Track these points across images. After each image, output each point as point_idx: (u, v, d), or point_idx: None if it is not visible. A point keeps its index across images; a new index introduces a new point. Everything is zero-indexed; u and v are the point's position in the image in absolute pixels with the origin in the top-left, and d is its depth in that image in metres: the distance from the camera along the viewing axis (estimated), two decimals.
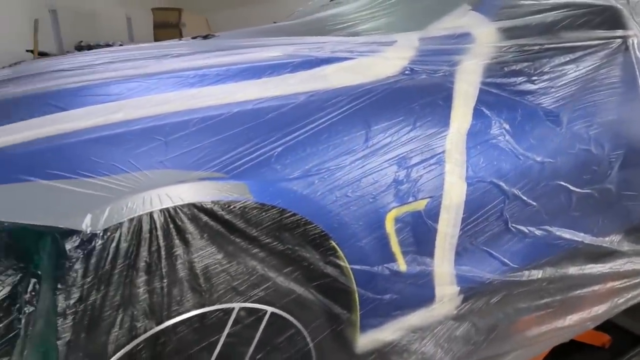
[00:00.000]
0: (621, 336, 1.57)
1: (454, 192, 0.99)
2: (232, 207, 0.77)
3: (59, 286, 0.66)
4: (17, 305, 0.68)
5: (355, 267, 0.90)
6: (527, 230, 1.13)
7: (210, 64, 0.93)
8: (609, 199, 1.26)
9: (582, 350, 1.51)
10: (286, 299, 0.85)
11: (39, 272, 0.67)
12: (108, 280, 0.69)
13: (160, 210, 0.71)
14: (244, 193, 0.77)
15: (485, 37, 1.08)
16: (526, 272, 1.15)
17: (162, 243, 0.72)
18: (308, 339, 0.91)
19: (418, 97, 0.98)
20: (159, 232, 0.71)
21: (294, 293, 0.86)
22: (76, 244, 0.65)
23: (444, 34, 1.09)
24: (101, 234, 0.66)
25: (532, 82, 1.11)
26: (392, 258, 0.94)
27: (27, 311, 0.67)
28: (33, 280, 0.67)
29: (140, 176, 0.70)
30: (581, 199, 1.20)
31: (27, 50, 5.38)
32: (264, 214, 0.80)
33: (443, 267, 1.02)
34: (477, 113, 1.03)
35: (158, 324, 0.73)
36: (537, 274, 1.16)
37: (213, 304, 0.78)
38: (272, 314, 0.84)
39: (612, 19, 1.18)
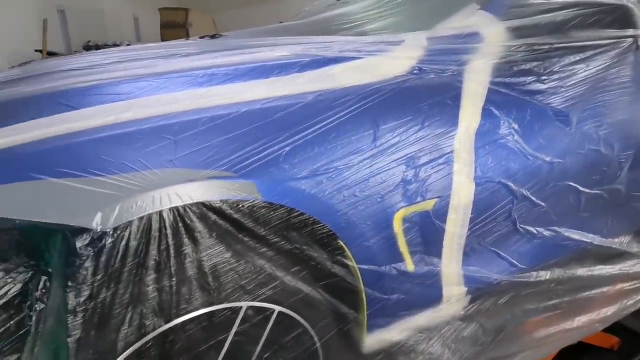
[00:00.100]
0: (630, 338, 1.55)
1: (463, 193, 0.99)
2: (240, 206, 0.77)
3: (70, 284, 0.66)
4: (29, 303, 0.68)
5: (363, 267, 0.90)
6: (535, 231, 1.12)
7: (219, 63, 0.93)
8: (618, 200, 1.25)
9: (591, 353, 1.50)
10: (294, 298, 0.85)
11: (50, 270, 0.68)
12: (118, 279, 0.69)
13: (170, 209, 0.71)
14: (253, 192, 0.77)
15: (494, 36, 1.08)
16: (534, 273, 1.14)
17: (171, 242, 0.72)
18: (315, 339, 0.91)
19: (427, 96, 0.98)
20: (169, 231, 0.71)
21: (302, 292, 0.86)
22: (87, 242, 0.66)
23: (453, 34, 1.08)
24: (111, 233, 0.67)
25: (542, 81, 1.10)
26: (399, 258, 0.94)
27: (38, 309, 0.67)
28: (44, 278, 0.68)
29: (150, 175, 0.71)
30: (590, 199, 1.19)
31: (36, 50, 5.43)
32: (272, 213, 0.80)
33: (451, 267, 1.02)
34: (486, 113, 1.03)
35: (167, 322, 0.74)
36: (545, 275, 1.16)
37: (221, 303, 0.78)
38: (280, 313, 0.84)
39: (623, 18, 1.17)
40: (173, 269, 0.73)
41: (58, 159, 0.70)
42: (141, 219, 0.69)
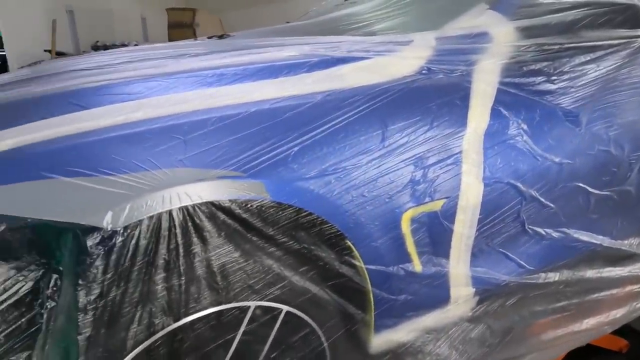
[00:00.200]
0: (639, 341, 1.54)
1: (471, 193, 0.98)
2: (249, 205, 0.77)
3: (80, 282, 0.67)
4: (39, 301, 0.69)
5: (370, 267, 0.90)
6: (544, 232, 1.11)
7: (228, 63, 0.93)
8: (628, 201, 1.24)
9: (599, 355, 1.49)
10: (301, 298, 0.85)
11: (61, 268, 0.68)
12: (127, 277, 0.69)
13: (179, 208, 0.71)
14: (261, 192, 0.77)
15: (503, 36, 1.07)
16: (543, 275, 1.13)
17: (180, 241, 0.72)
18: (322, 339, 0.91)
19: (435, 96, 0.98)
20: (178, 230, 0.72)
21: (309, 292, 0.86)
22: (97, 240, 0.66)
23: (461, 33, 1.08)
24: (121, 231, 0.67)
25: (551, 81, 1.09)
26: (407, 258, 0.94)
27: (48, 306, 0.68)
28: (55, 276, 0.68)
29: (160, 174, 0.71)
30: (600, 201, 1.18)
31: (45, 50, 5.48)
32: (280, 213, 0.80)
33: (458, 268, 1.01)
34: (494, 113, 1.02)
35: (176, 320, 0.74)
36: (553, 276, 1.15)
37: (229, 302, 0.78)
38: (288, 312, 0.84)
39: (635, 18, 1.16)
40: (182, 267, 0.73)
41: (69, 158, 0.71)
42: (151, 217, 0.70)
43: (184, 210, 0.72)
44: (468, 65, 1.03)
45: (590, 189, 1.16)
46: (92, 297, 0.67)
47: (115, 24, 6.88)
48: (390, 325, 0.96)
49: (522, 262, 1.10)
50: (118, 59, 1.07)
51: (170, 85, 0.85)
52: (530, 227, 1.09)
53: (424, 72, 1.00)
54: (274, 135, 0.81)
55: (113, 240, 0.67)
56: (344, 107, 0.89)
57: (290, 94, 0.87)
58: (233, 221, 0.76)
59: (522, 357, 1.18)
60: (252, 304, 0.80)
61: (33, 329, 0.69)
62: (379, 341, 0.96)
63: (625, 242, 1.26)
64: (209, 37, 1.60)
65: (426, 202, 0.94)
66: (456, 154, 0.97)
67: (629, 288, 1.29)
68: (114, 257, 0.68)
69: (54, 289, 0.68)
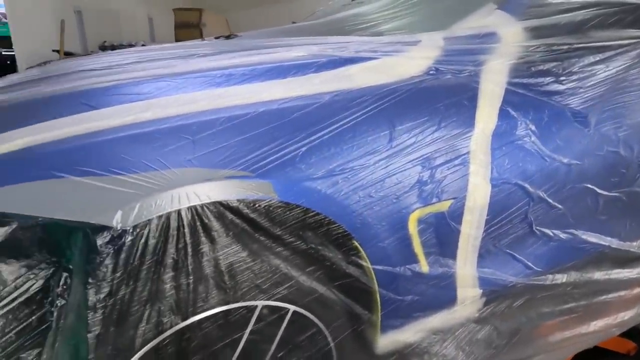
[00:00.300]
0: None
1: (478, 194, 0.98)
2: (257, 205, 0.78)
3: (90, 280, 0.67)
4: (50, 299, 0.70)
5: (377, 268, 0.90)
6: (552, 234, 1.11)
7: (236, 63, 0.94)
8: (637, 203, 1.23)
9: (607, 357, 1.47)
10: (308, 297, 0.86)
11: (71, 267, 0.69)
12: (136, 276, 0.70)
13: (188, 208, 0.72)
14: (269, 192, 0.78)
15: (511, 36, 1.07)
16: (550, 276, 1.13)
17: (188, 240, 0.73)
18: (329, 338, 0.91)
19: (443, 97, 0.97)
20: (186, 230, 0.72)
21: (316, 292, 0.86)
22: (107, 239, 0.67)
23: (469, 34, 1.07)
24: (131, 230, 0.68)
25: (560, 82, 1.09)
26: (414, 259, 0.94)
27: (58, 304, 0.69)
28: (65, 275, 0.69)
29: (169, 174, 0.72)
30: (608, 202, 1.17)
31: (54, 50, 5.52)
32: (288, 213, 0.81)
33: (465, 269, 1.01)
34: (502, 114, 1.02)
35: (183, 319, 0.75)
36: (561, 278, 1.14)
37: (237, 301, 0.79)
38: (294, 312, 0.85)
39: None
40: (190, 267, 0.74)
41: (79, 158, 0.71)
42: (160, 217, 0.70)
43: (193, 209, 0.72)
44: (476, 65, 1.02)
45: (598, 190, 1.15)
46: (102, 296, 0.68)
47: (122, 24, 6.92)
48: (397, 325, 0.96)
49: (529, 264, 1.10)
50: (127, 59, 1.08)
51: (179, 86, 0.86)
52: (537, 228, 1.08)
53: (431, 72, 0.99)
54: (282, 135, 0.82)
55: (122, 240, 0.68)
56: (351, 107, 0.89)
57: (298, 94, 0.88)
58: (241, 221, 0.77)
59: (529, 358, 1.18)
60: (260, 303, 0.81)
61: (43, 327, 0.70)
62: (386, 342, 0.96)
63: (634, 243, 1.25)
64: (217, 37, 1.61)
65: (433, 203, 0.93)
66: (464, 154, 0.96)
67: (637, 290, 1.27)
68: (123, 256, 0.68)
69: (64, 287, 0.69)
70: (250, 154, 0.78)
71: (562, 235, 1.12)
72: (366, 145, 0.88)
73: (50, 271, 0.70)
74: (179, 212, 0.71)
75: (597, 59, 1.11)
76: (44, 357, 0.69)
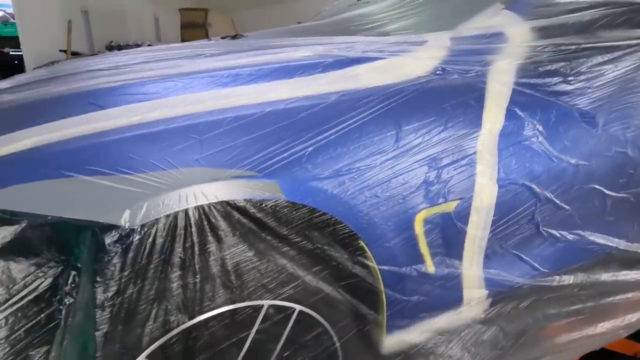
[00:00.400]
0: None
1: (485, 194, 0.98)
2: (263, 205, 0.78)
3: (98, 279, 0.68)
4: (58, 297, 0.70)
5: (383, 268, 0.90)
6: (559, 235, 1.10)
7: (243, 63, 0.94)
8: None
9: None
10: (314, 297, 0.86)
11: (79, 265, 0.69)
12: (144, 275, 0.70)
13: (195, 208, 0.72)
14: (276, 192, 0.78)
15: (518, 36, 1.06)
16: (557, 278, 1.12)
17: (195, 239, 0.73)
18: (335, 338, 0.91)
19: (450, 97, 0.97)
20: (193, 229, 0.72)
21: (322, 292, 0.86)
22: (115, 238, 0.67)
23: (476, 34, 1.07)
24: (139, 230, 0.68)
25: (568, 82, 1.08)
26: (420, 259, 0.94)
27: (67, 302, 0.69)
28: (73, 273, 0.69)
29: (176, 173, 0.72)
30: (616, 203, 1.16)
31: (61, 50, 5.56)
32: (294, 212, 0.81)
33: (471, 269, 1.01)
34: (509, 114, 1.02)
35: (190, 318, 0.75)
36: (568, 279, 1.13)
37: (243, 301, 0.79)
38: (300, 312, 0.85)
39: None
40: (197, 266, 0.74)
41: (87, 157, 0.72)
42: (167, 216, 0.70)
43: (200, 209, 0.73)
44: (483, 65, 1.02)
45: (606, 191, 1.14)
46: (110, 294, 0.69)
47: (128, 25, 6.96)
48: (403, 326, 0.96)
49: (536, 265, 1.09)
50: (134, 60, 1.09)
51: (186, 86, 0.86)
52: (544, 229, 1.08)
53: (438, 72, 0.99)
54: (289, 135, 0.82)
55: (130, 238, 0.68)
56: (358, 107, 0.89)
57: (305, 94, 0.88)
58: (248, 220, 0.77)
59: None
60: (266, 303, 0.81)
61: (52, 325, 0.70)
62: (391, 342, 0.96)
63: None
64: (223, 38, 1.61)
65: (440, 203, 0.93)
66: (470, 155, 0.96)
67: None
68: (131, 254, 0.69)
69: (73, 285, 0.69)
70: (257, 154, 0.78)
71: (569, 236, 1.12)
72: (373, 145, 0.88)
73: (59, 269, 0.70)
74: (186, 212, 0.72)
75: (606, 59, 1.11)
76: (53, 354, 0.70)
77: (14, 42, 5.98)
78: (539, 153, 1.04)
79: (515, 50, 1.05)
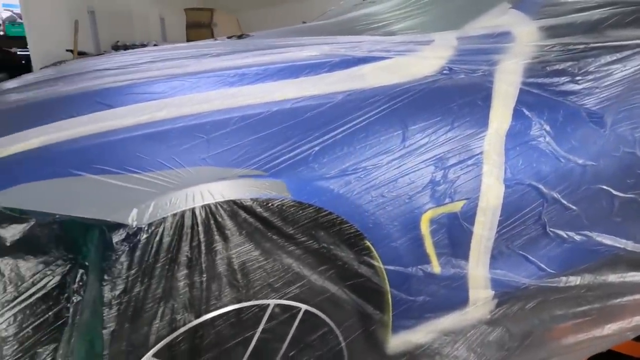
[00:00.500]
0: None
1: (491, 194, 0.97)
2: (270, 204, 0.78)
3: (106, 277, 0.68)
4: (66, 295, 0.71)
5: (389, 268, 0.89)
6: (566, 235, 1.09)
7: (249, 63, 0.94)
8: None
9: None
10: (320, 297, 0.86)
11: (87, 264, 0.70)
12: (151, 273, 0.71)
13: (202, 206, 0.72)
14: (282, 191, 0.78)
15: (526, 36, 1.06)
16: (564, 279, 1.12)
17: (202, 238, 0.73)
18: (340, 338, 0.91)
19: (456, 97, 0.97)
20: (200, 228, 0.73)
21: (328, 292, 0.86)
22: (122, 237, 0.68)
23: (483, 33, 1.06)
24: (146, 228, 0.69)
25: (576, 82, 1.07)
26: (426, 259, 0.94)
27: (75, 300, 0.70)
28: (81, 271, 0.70)
29: (183, 173, 0.72)
30: (624, 203, 1.16)
31: (67, 50, 5.59)
32: (300, 212, 0.81)
33: (478, 270, 1.00)
34: (516, 114, 1.01)
35: (197, 317, 0.75)
36: (575, 280, 1.13)
37: (249, 300, 0.79)
38: (306, 311, 0.85)
39: None
40: (203, 265, 0.74)
41: (95, 156, 0.72)
42: (174, 215, 0.71)
43: (207, 208, 0.73)
44: (490, 65, 1.02)
45: (614, 192, 1.13)
46: (117, 292, 0.69)
47: (134, 24, 6.99)
48: (408, 326, 0.96)
49: (542, 265, 1.09)
50: (141, 59, 1.09)
51: (193, 85, 0.86)
52: (551, 229, 1.07)
53: (445, 72, 0.99)
54: (295, 134, 0.82)
55: (138, 237, 0.68)
56: (364, 107, 0.88)
57: (311, 93, 0.88)
58: (254, 220, 0.77)
59: None
60: (272, 302, 0.81)
61: (59, 322, 0.71)
62: (397, 342, 0.96)
63: None
64: (229, 37, 1.62)
65: (446, 203, 0.93)
66: (477, 154, 0.96)
67: None
68: (138, 253, 0.69)
69: (80, 283, 0.70)
70: (263, 153, 0.78)
71: (577, 237, 1.11)
72: (379, 145, 0.88)
73: (67, 268, 0.71)
74: (193, 211, 0.72)
75: (614, 58, 1.10)
76: (60, 352, 0.70)
77: (22, 42, 6.02)
78: (546, 153, 1.03)
79: (522, 49, 1.05)
